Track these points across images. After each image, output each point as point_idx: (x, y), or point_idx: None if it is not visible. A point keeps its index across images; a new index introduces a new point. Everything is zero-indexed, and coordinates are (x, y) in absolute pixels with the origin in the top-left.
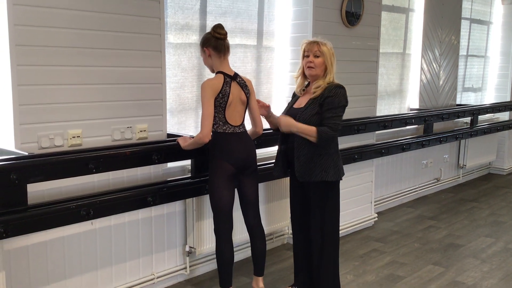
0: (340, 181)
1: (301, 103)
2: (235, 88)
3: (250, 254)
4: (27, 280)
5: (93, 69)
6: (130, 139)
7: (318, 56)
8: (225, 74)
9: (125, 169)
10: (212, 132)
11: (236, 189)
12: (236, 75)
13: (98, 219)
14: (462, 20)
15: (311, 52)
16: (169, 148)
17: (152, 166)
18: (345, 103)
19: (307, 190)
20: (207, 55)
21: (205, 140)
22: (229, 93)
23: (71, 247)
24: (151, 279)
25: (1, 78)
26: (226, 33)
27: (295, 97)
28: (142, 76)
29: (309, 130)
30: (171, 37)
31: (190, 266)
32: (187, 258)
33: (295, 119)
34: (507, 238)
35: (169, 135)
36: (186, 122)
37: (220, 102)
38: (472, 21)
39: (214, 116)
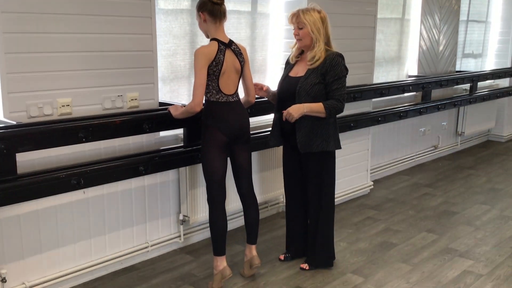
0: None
1: (297, 71)
2: (229, 56)
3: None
4: (19, 248)
5: (81, 36)
6: (121, 108)
7: (301, 28)
8: (219, 42)
9: (116, 138)
10: (205, 100)
11: (229, 158)
12: (231, 42)
13: (91, 189)
14: None
15: (294, 24)
16: (160, 117)
17: (144, 135)
18: (346, 73)
19: (305, 160)
20: (203, 20)
21: (196, 110)
22: (223, 61)
23: (63, 216)
24: (145, 247)
25: None
26: None
27: (289, 65)
28: (132, 44)
29: (318, 107)
30: (162, 3)
31: (184, 235)
32: (181, 226)
33: (294, 88)
34: (503, 205)
35: (161, 104)
36: (179, 91)
37: (214, 71)
38: None
39: (208, 85)
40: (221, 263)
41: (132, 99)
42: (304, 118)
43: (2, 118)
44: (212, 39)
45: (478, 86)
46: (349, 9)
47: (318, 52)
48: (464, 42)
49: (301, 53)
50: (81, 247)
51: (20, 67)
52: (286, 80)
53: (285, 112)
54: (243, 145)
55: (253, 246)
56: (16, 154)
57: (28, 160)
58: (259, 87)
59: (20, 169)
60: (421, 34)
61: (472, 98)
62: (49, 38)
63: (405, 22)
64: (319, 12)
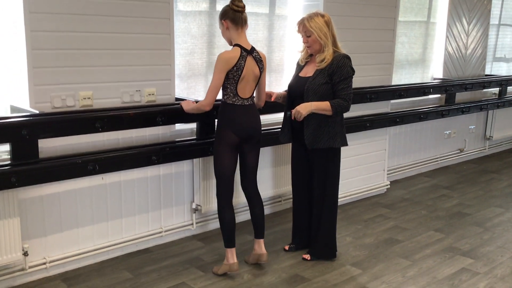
0: (351, 147)
1: (307, 72)
2: (250, 62)
3: None
4: (42, 226)
5: (103, 35)
6: (139, 102)
7: (309, 36)
8: (242, 48)
9: (130, 129)
10: (222, 102)
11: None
12: (252, 49)
13: (109, 175)
14: None
15: (302, 33)
16: (173, 111)
17: (160, 128)
18: (352, 73)
19: (312, 156)
20: (225, 28)
21: (206, 109)
22: (243, 67)
23: (83, 199)
24: (159, 232)
25: (17, 43)
26: (244, 6)
27: (299, 66)
28: (151, 42)
29: (324, 106)
30: (181, 5)
31: (196, 223)
32: (194, 215)
33: (303, 87)
34: None
35: (177, 99)
36: (196, 87)
37: (234, 75)
38: None
39: (226, 88)
40: (232, 257)
41: (149, 94)
42: (312, 116)
43: (28, 108)
44: (235, 45)
45: (508, 91)
46: (366, 12)
47: (327, 55)
48: (495, 46)
49: (310, 55)
50: (99, 229)
51: (46, 62)
52: (296, 80)
53: (293, 111)
54: (254, 145)
55: (261, 241)
56: (39, 140)
57: (52, 147)
58: (268, 95)
59: (46, 154)
60: (447, 37)
61: (501, 102)
62: (73, 36)
63: (430, 25)
64: (323, 16)
